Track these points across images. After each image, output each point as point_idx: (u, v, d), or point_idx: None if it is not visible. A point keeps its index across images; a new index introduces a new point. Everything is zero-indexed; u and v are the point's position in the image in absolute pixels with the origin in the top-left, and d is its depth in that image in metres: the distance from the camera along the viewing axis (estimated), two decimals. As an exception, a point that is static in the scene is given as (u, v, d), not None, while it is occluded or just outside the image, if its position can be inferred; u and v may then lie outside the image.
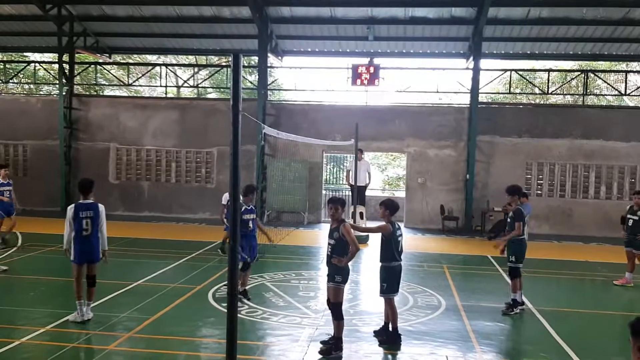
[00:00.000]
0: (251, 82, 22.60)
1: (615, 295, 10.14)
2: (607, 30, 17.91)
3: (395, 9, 17.55)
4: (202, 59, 27.57)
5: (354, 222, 13.24)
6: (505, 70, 20.25)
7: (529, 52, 19.66)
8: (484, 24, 17.05)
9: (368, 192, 17.86)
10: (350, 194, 16.08)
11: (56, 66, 20.81)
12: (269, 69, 19.39)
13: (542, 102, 24.42)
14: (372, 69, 17.84)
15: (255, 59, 22.63)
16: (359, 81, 17.88)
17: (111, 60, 22.76)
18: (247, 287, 8.59)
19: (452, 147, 18.39)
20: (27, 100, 20.89)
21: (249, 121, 7.22)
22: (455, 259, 13.04)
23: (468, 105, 18.22)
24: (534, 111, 18.93)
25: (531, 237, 9.63)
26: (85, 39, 20.28)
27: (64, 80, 19.49)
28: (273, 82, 21.05)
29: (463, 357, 6.53)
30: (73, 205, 7.20)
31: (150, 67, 24.76)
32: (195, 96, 26.69)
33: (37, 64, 23.01)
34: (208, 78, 24.20)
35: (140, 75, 24.76)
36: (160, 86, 23.40)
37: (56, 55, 20.14)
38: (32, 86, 26.69)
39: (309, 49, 20.71)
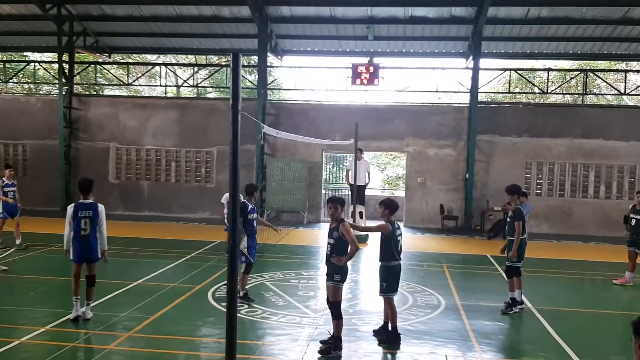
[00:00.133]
0: (251, 82, 22.58)
1: (614, 295, 10.15)
2: (607, 29, 17.91)
3: (395, 8, 17.54)
4: (202, 59, 27.53)
5: (354, 221, 13.25)
6: (505, 70, 20.29)
7: (528, 51, 19.66)
8: (484, 24, 17.07)
9: (368, 192, 17.85)
10: (349, 193, 16.08)
11: (56, 66, 20.81)
12: (268, 69, 19.38)
13: (541, 102, 24.41)
14: (371, 69, 17.85)
15: (255, 59, 22.61)
16: (358, 81, 17.88)
17: (111, 60, 22.75)
18: (247, 288, 8.58)
19: (451, 147, 18.40)
20: (27, 100, 20.90)
21: (248, 121, 7.22)
22: (454, 259, 13.05)
23: (468, 105, 18.23)
24: (533, 110, 18.92)
25: (531, 237, 9.60)
26: (85, 38, 20.28)
27: (63, 80, 19.50)
28: (273, 81, 21.04)
29: (462, 356, 6.53)
30: (73, 204, 7.22)
31: (150, 67, 24.76)
32: (195, 96, 26.73)
33: (37, 64, 23.02)
34: (208, 78, 24.21)
35: (140, 74, 24.78)
36: (160, 86, 23.42)
37: (56, 54, 20.14)
38: (32, 86, 26.70)
39: (309, 49, 20.69)
